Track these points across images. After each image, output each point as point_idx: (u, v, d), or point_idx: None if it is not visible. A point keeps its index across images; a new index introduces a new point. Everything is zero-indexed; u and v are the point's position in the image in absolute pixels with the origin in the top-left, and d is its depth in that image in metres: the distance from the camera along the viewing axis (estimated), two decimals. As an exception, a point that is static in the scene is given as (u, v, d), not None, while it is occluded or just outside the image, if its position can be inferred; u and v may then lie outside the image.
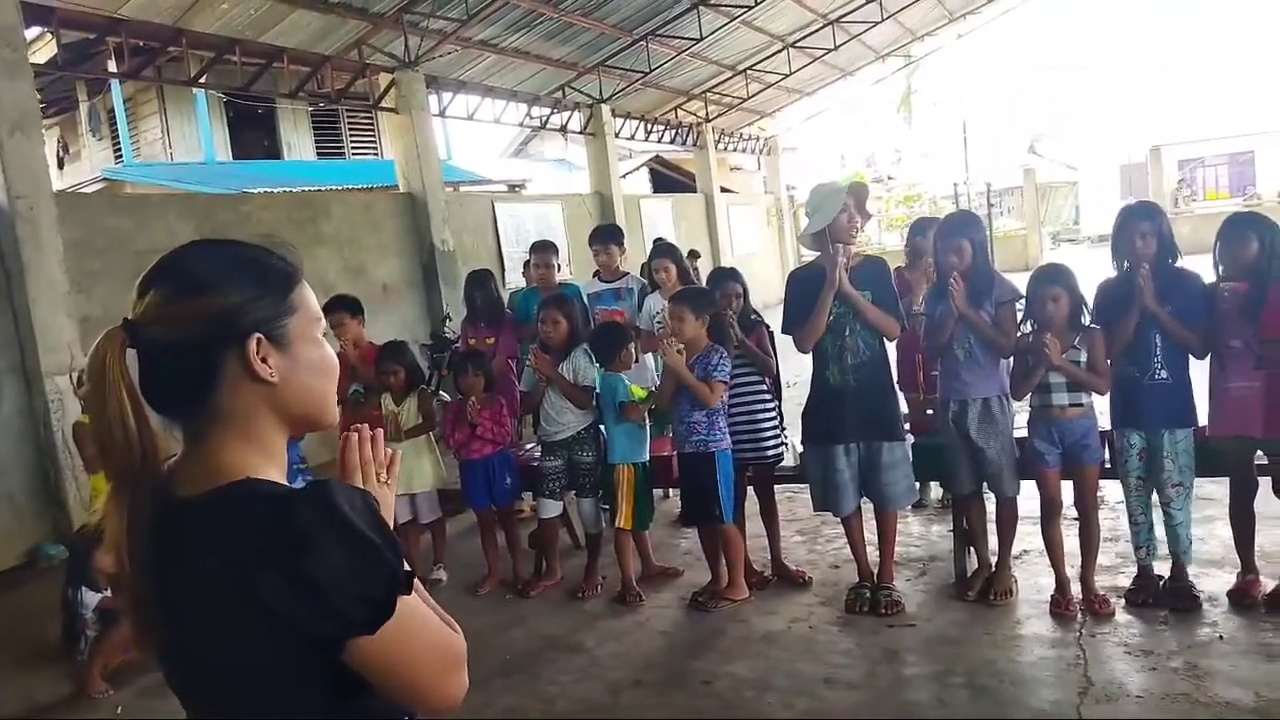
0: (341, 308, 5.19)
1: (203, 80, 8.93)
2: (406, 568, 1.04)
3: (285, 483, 1.11)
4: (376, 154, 15.01)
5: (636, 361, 5.04)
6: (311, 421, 1.17)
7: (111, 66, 8.31)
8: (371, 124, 14.99)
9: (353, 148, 15.03)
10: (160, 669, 1.12)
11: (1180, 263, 3.87)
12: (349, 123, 14.85)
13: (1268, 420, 3.59)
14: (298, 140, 14.34)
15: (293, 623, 0.98)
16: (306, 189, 10.91)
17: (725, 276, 4.80)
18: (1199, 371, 3.84)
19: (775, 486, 4.75)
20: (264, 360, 1.09)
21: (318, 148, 14.58)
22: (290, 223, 8.58)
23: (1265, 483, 3.82)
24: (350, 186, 11.51)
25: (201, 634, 1.03)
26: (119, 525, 1.04)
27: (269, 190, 10.28)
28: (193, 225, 7.36)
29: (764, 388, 4.60)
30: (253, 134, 13.97)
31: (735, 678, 3.65)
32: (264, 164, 13.26)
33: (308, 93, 9.76)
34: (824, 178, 4.68)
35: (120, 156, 13.27)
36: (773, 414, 4.61)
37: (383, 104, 10.27)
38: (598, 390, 4.63)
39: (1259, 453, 3.77)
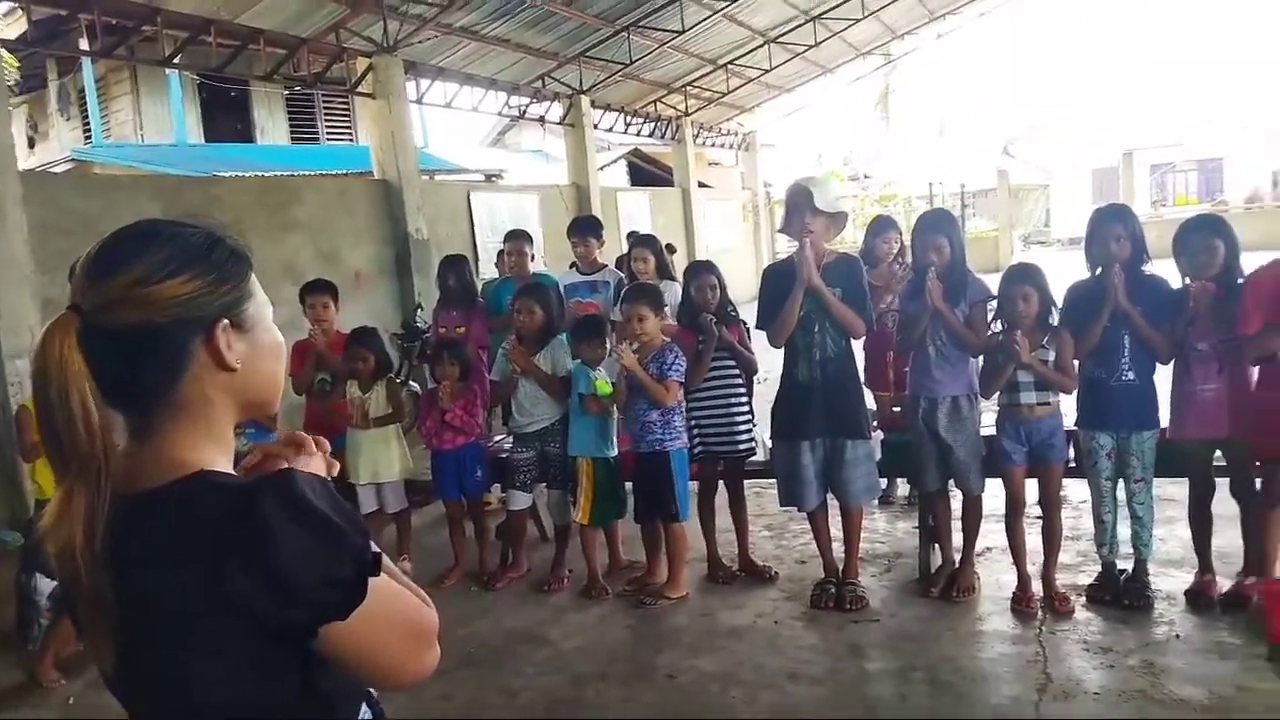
0: (325, 290, 5.14)
1: (176, 61, 8.79)
2: (374, 548, 1.03)
3: (239, 475, 1.08)
4: (352, 140, 14.85)
5: (610, 355, 5.04)
6: (264, 406, 1.15)
7: (83, 45, 8.16)
8: (347, 109, 14.82)
9: (328, 133, 14.86)
10: (108, 676, 1.06)
11: (1149, 267, 3.92)
12: (324, 107, 14.67)
13: (1232, 422, 3.65)
14: (272, 124, 14.15)
15: (262, 616, 0.96)
16: (279, 173, 10.78)
17: (701, 269, 4.80)
18: (1164, 376, 3.89)
19: (745, 481, 4.77)
20: (229, 346, 1.06)
21: (292, 132, 14.40)
22: (262, 207, 8.48)
23: (1223, 484, 3.88)
24: (324, 172, 11.38)
25: (161, 636, 0.99)
26: (77, 525, 0.98)
27: (241, 174, 10.15)
28: (161, 208, 7.25)
29: (739, 380, 4.62)
30: (226, 117, 13.77)
31: (700, 672, 3.66)
32: (236, 147, 13.08)
33: (283, 76, 9.63)
34: (800, 174, 4.68)
35: (90, 137, 13.04)
36: (746, 407, 4.62)
37: (359, 89, 10.16)
38: None
39: (1218, 454, 3.84)
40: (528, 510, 4.97)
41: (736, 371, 4.60)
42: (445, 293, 6.07)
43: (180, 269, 1.03)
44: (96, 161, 11.56)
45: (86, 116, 13.09)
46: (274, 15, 8.71)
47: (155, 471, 1.02)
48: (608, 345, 4.63)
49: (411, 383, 6.80)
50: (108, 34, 7.89)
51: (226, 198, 8.21)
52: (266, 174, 10.58)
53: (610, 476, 4.54)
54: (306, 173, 11.09)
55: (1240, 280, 3.68)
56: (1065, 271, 4.28)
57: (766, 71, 16.54)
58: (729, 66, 16.10)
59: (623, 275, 5.77)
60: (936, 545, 4.35)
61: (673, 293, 5.23)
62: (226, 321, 1.06)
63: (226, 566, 0.94)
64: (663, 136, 17.72)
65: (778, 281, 4.13)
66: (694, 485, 4.56)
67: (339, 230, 9.28)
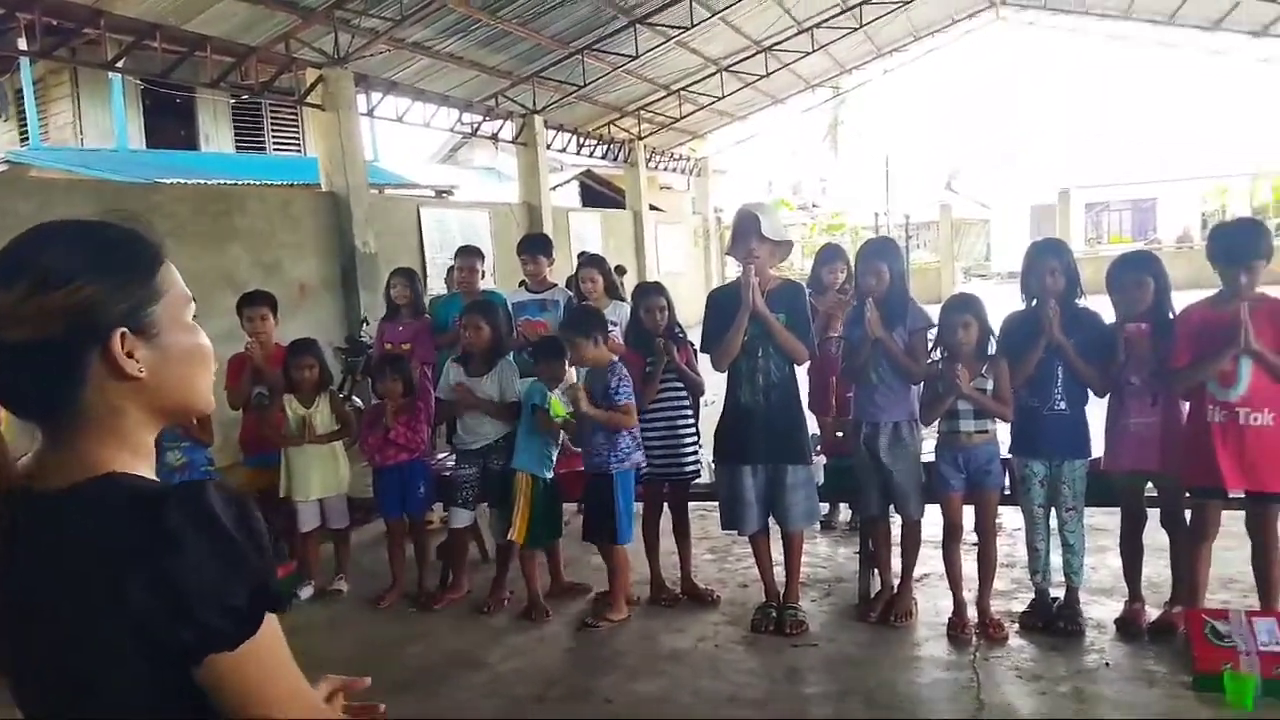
0: (264, 302, 5.03)
1: (120, 64, 8.58)
2: (278, 586, 0.99)
3: (154, 479, 1.04)
4: (299, 151, 14.65)
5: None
6: (185, 412, 1.11)
7: (22, 44, 7.93)
8: (295, 119, 14.62)
9: (274, 143, 14.64)
10: (4, 680, 1.03)
11: (1084, 301, 4.03)
12: (272, 117, 14.46)
13: (1164, 455, 3.74)
14: (216, 132, 13.90)
15: (155, 631, 0.92)
16: (223, 182, 10.57)
17: (650, 291, 4.81)
18: (1097, 407, 3.99)
19: (689, 504, 4.77)
20: (130, 355, 1.01)
21: (237, 141, 14.16)
22: (203, 215, 8.30)
23: (1154, 515, 3.99)
24: (269, 182, 11.20)
25: (60, 640, 0.96)
26: None
27: (183, 181, 9.93)
28: (98, 213, 6.97)
29: (686, 402, 4.63)
30: (169, 123, 13.48)
31: (638, 695, 3.63)
32: (179, 154, 12.80)
33: (230, 84, 9.47)
34: (749, 200, 4.74)
35: (27, 139, 12.66)
36: (693, 429, 4.63)
37: (308, 100, 10.04)
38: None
39: (1150, 485, 3.94)
40: (469, 529, 4.90)
41: (684, 393, 4.61)
42: (391, 306, 6.00)
43: (70, 279, 0.98)
44: (33, 164, 11.21)
45: (24, 118, 12.71)
46: (222, 23, 8.57)
47: (65, 473, 0.99)
48: (567, 367, 4.61)
49: (354, 398, 6.70)
50: (48, 34, 7.69)
51: (167, 205, 8.02)
52: (209, 182, 10.37)
53: (548, 498, 4.49)
54: (251, 182, 10.89)
55: (1172, 316, 3.80)
56: (1004, 303, 4.38)
57: (719, 99, 16.76)
58: (682, 92, 16.28)
59: (572, 294, 5.76)
60: (876, 570, 4.39)
61: (621, 313, 5.23)
62: (124, 330, 1.00)
63: (124, 573, 0.91)
64: (615, 159, 17.81)
65: (722, 306, 4.16)
66: (639, 507, 4.55)
67: (283, 241, 9.13)
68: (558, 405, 4.35)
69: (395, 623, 4.52)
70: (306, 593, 4.84)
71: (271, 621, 0.97)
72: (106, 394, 1.01)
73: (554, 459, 4.51)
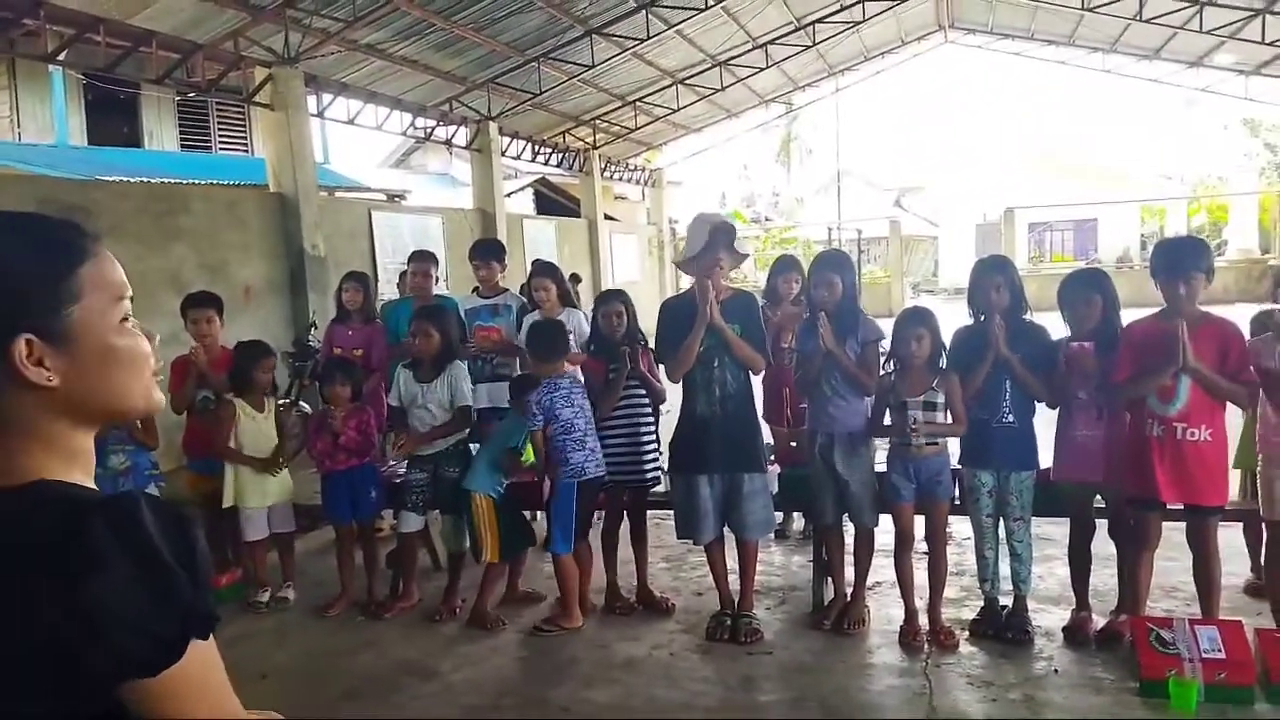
0: (210, 304, 4.89)
1: (61, 58, 8.34)
2: (211, 609, 0.93)
3: (91, 485, 0.98)
4: (247, 151, 14.38)
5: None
6: (115, 417, 1.03)
7: (-45, 33, 7.67)
8: (243, 119, 14.35)
9: (221, 142, 14.35)
10: None
11: (1029, 316, 4.10)
12: (219, 116, 14.18)
13: (1108, 467, 3.82)
14: (161, 130, 13.58)
15: (67, 650, 0.85)
16: (167, 180, 10.31)
17: (609, 298, 4.80)
18: (1047, 419, 4.06)
19: (646, 512, 4.74)
20: (40, 363, 0.93)
21: (182, 139, 13.84)
22: (146, 214, 8.08)
23: (1102, 525, 4.06)
24: (215, 182, 10.95)
25: None
26: None
27: (126, 179, 9.67)
28: (36, 210, 6.83)
29: (648, 409, 4.62)
30: (112, 119, 13.13)
31: (593, 704, 3.59)
32: (122, 151, 12.47)
33: (176, 81, 9.26)
34: (705, 212, 4.75)
35: (-41, 132, 12.23)
36: (653, 436, 4.62)
37: (257, 99, 9.85)
38: (474, 407, 4.56)
39: (1097, 496, 4.02)
40: (419, 536, 4.81)
41: (646, 399, 4.59)
42: (342, 311, 5.89)
43: None
44: (-35, 158, 10.82)
45: (-43, 110, 12.27)
46: (168, 18, 8.38)
47: None
48: (568, 356, 4.60)
49: (302, 403, 6.56)
50: (-15, 24, 7.45)
51: (108, 203, 7.79)
52: (153, 180, 10.11)
53: (509, 512, 4.45)
54: (196, 181, 10.64)
55: (1119, 331, 3.89)
56: (952, 318, 4.44)
57: (674, 111, 16.87)
58: (637, 103, 16.34)
59: (524, 300, 5.72)
60: (830, 579, 4.41)
61: (575, 320, 5.20)
62: (28, 339, 0.92)
63: (39, 588, 0.85)
64: (570, 168, 17.80)
65: (676, 316, 4.15)
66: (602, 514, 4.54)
67: (229, 242, 8.93)
68: (530, 452, 4.40)
69: (344, 631, 4.42)
70: (265, 596, 4.71)
71: (199, 648, 0.91)
72: (21, 403, 0.94)
73: (503, 477, 4.48)
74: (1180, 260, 3.66)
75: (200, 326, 4.80)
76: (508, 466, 4.42)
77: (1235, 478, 4.11)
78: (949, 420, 3.99)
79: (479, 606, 4.41)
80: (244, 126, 14.48)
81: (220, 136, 14.36)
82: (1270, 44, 14.01)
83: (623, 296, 4.77)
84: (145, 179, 10.03)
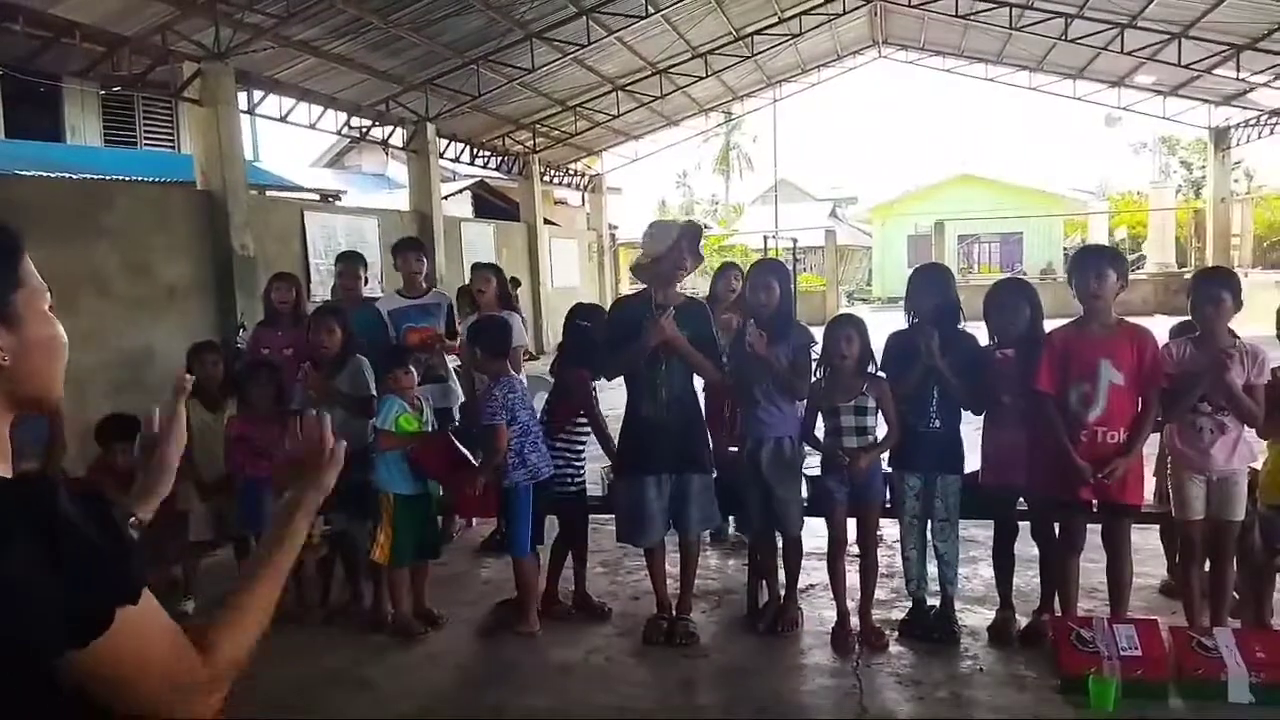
0: None
1: (-25, 46, 8.01)
2: (136, 575, 0.95)
3: (5, 472, 0.99)
4: (173, 147, 13.97)
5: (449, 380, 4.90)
6: (38, 403, 1.08)
7: None
8: (170, 114, 13.93)
9: (146, 138, 13.90)
10: None
11: (963, 325, 4.21)
12: (145, 111, 13.73)
13: (1030, 471, 3.93)
14: (84, 124, 13.09)
15: None
16: (90, 176, 9.96)
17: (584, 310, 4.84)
18: (972, 425, 4.16)
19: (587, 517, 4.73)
20: None
21: (106, 134, 13.37)
22: (68, 211, 7.76)
23: (1025, 527, 4.18)
24: (141, 179, 10.61)
25: None
26: None
27: (45, 174, 9.31)
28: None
29: (581, 419, 4.61)
30: (32, 113, 12.59)
31: (528, 709, 3.57)
32: (42, 145, 11.98)
33: (100, 74, 8.96)
34: (647, 219, 4.80)
35: None
36: (583, 450, 4.64)
37: (185, 94, 9.57)
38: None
39: (1020, 500, 4.13)
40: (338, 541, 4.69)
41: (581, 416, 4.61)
42: (271, 312, 5.73)
43: None
44: None
45: None
46: (93, 9, 8.10)
47: None
48: (413, 373, 4.48)
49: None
50: (-107, 9, 7.11)
51: (28, 198, 7.49)
52: (75, 176, 9.75)
53: (409, 514, 4.30)
54: (121, 178, 10.29)
55: (1042, 338, 4.01)
56: (884, 327, 4.52)
57: (614, 117, 16.88)
58: (578, 109, 16.32)
59: (452, 299, 5.63)
60: (764, 582, 4.45)
61: (515, 323, 5.16)
62: None
63: None
64: (509, 171, 17.69)
65: (625, 321, 4.15)
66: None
67: (154, 241, 8.64)
68: (405, 420, 4.25)
69: (271, 640, 4.29)
70: (190, 606, 4.57)
71: (131, 612, 0.93)
72: None
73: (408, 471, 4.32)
74: (1093, 261, 3.82)
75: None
76: (389, 446, 4.24)
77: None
78: (878, 423, 4.07)
79: (398, 616, 4.34)
80: (171, 122, 14.06)
81: (146, 132, 13.92)
82: (1186, 66, 14.61)
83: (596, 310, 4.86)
84: (67, 174, 9.67)
